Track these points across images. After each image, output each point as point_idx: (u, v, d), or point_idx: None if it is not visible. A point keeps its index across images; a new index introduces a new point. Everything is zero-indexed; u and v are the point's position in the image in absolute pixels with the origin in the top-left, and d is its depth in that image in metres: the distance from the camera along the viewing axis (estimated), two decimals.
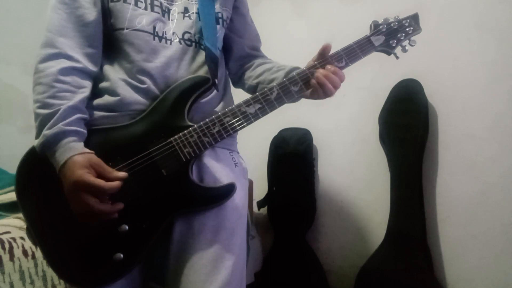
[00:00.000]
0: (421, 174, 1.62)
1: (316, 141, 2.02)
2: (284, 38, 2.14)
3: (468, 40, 1.56)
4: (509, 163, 1.46)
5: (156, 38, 0.96)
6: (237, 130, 0.93)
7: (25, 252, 1.24)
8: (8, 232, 1.30)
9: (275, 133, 2.09)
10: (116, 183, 0.82)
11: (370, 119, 1.79)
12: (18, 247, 1.24)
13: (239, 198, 1.00)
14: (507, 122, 1.47)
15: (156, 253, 0.95)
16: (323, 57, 0.97)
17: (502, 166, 1.47)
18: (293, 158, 1.99)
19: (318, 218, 1.99)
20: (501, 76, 1.49)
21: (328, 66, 0.96)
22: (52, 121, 0.84)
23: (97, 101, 0.95)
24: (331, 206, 1.97)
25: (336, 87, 0.96)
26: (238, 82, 1.18)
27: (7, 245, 1.22)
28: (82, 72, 0.92)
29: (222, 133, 0.91)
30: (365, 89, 1.84)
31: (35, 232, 0.91)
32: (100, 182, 0.81)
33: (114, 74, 0.96)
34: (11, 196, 1.62)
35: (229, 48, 1.14)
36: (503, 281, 1.45)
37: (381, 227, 1.70)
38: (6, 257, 1.20)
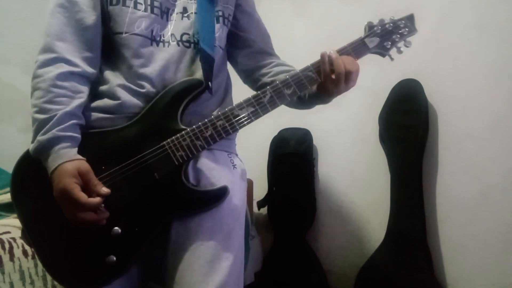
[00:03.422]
0: (421, 174, 1.62)
1: (316, 141, 2.02)
2: (284, 38, 2.13)
3: (468, 40, 1.56)
4: (509, 163, 1.46)
5: (154, 43, 0.96)
6: (230, 133, 0.92)
7: (25, 252, 1.24)
8: (8, 232, 1.30)
9: (275, 133, 2.09)
10: (96, 201, 0.82)
11: (370, 119, 1.79)
12: (18, 247, 1.24)
13: (237, 199, 0.99)
14: (507, 122, 1.47)
15: (154, 252, 0.95)
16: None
17: (502, 166, 1.47)
18: (293, 158, 1.98)
19: (318, 218, 1.99)
20: (501, 76, 1.49)
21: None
22: (47, 126, 0.85)
23: (96, 103, 0.95)
24: (331, 206, 1.97)
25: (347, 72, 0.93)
26: (250, 77, 1.15)
27: (7, 245, 1.22)
28: (81, 77, 0.92)
29: (214, 137, 0.91)
30: (365, 89, 1.83)
31: (30, 234, 0.91)
32: (81, 197, 0.81)
33: (114, 78, 0.95)
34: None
35: (239, 46, 1.12)
36: (503, 281, 1.45)
37: (381, 227, 1.70)
38: (6, 257, 1.20)
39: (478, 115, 1.53)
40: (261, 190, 2.08)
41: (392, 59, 1.04)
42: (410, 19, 1.06)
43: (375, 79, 1.81)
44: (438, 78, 1.63)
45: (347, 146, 1.92)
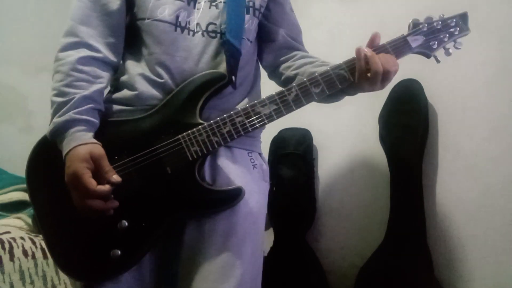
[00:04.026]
0: (421, 174, 1.62)
1: (316, 141, 2.02)
2: None
3: (468, 40, 1.56)
4: (509, 163, 1.46)
5: (178, 29, 0.93)
6: (249, 131, 0.89)
7: (25, 252, 1.24)
8: (8, 232, 1.30)
9: (275, 133, 2.09)
10: (105, 189, 0.81)
11: (370, 119, 1.79)
12: (18, 247, 1.24)
13: (255, 201, 0.96)
14: (507, 122, 1.47)
15: (168, 255, 0.93)
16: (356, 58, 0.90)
17: (502, 166, 1.47)
18: (293, 158, 1.98)
19: (318, 218, 1.99)
20: (501, 76, 1.49)
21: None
22: (64, 109, 0.84)
23: (116, 95, 0.95)
24: (331, 206, 1.97)
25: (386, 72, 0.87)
26: (274, 72, 1.11)
27: (7, 245, 1.22)
28: (102, 62, 0.91)
29: (232, 134, 0.87)
30: None
31: (40, 221, 0.91)
32: (90, 184, 0.79)
33: (134, 67, 0.94)
34: (11, 196, 1.62)
35: (267, 39, 1.08)
36: (503, 281, 1.45)
37: (381, 227, 1.70)
38: (6, 257, 1.20)
39: (478, 115, 1.53)
40: None
41: (438, 61, 0.94)
42: (462, 17, 0.97)
43: None
44: (438, 78, 1.63)
45: (347, 146, 1.91)
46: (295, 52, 1.09)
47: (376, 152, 1.77)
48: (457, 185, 1.57)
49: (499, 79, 1.49)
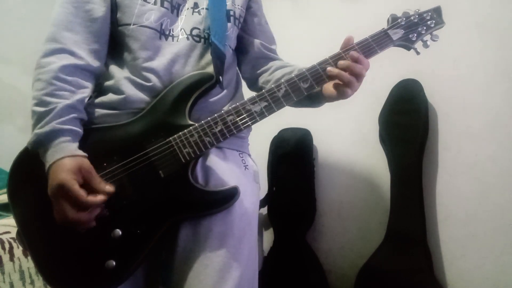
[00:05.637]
0: (421, 174, 1.62)
1: (316, 141, 2.02)
2: (284, 38, 2.13)
3: (468, 40, 1.56)
4: (509, 163, 1.46)
5: (163, 37, 0.93)
6: (241, 130, 0.88)
7: (25, 252, 1.24)
8: (8, 232, 1.30)
9: (275, 133, 2.09)
10: (98, 199, 0.78)
11: (370, 119, 1.79)
12: (18, 247, 1.24)
13: (249, 203, 0.95)
14: (507, 122, 1.47)
15: (162, 256, 0.91)
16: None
17: (502, 166, 1.47)
18: (293, 158, 1.98)
19: (318, 218, 1.99)
20: (501, 76, 1.49)
21: (351, 53, 0.90)
22: (46, 119, 0.81)
23: (101, 99, 0.92)
24: (331, 206, 1.97)
25: (359, 75, 0.89)
26: (254, 85, 1.13)
27: (7, 245, 1.22)
28: (85, 71, 0.89)
29: (224, 133, 0.86)
30: (365, 89, 1.83)
31: (25, 236, 0.87)
32: (81, 193, 0.76)
33: (119, 72, 0.93)
34: None
35: (243, 50, 1.10)
36: (503, 281, 1.45)
37: (381, 227, 1.70)
38: (6, 257, 1.20)
39: (478, 115, 1.53)
40: (261, 190, 2.07)
41: (418, 53, 0.98)
42: (436, 11, 1.01)
43: (375, 79, 1.80)
44: (438, 78, 1.62)
45: (347, 146, 1.91)
46: (270, 64, 1.10)
47: (376, 152, 1.77)
48: (457, 184, 1.57)
49: (499, 79, 1.49)
